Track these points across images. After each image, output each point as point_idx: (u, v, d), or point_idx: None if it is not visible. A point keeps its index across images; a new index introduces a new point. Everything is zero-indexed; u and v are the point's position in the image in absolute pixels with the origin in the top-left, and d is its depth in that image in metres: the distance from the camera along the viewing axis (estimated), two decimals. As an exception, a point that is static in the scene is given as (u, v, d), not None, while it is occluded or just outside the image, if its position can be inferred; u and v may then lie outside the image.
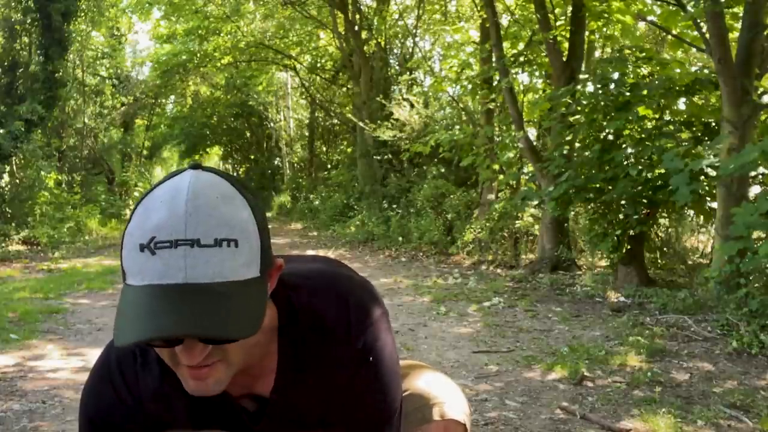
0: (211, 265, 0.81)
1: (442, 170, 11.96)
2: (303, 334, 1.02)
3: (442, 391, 1.23)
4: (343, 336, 1.03)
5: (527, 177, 8.70)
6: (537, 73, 9.79)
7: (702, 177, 5.37)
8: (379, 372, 1.05)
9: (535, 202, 7.65)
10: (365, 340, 1.03)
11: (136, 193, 23.01)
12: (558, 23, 8.23)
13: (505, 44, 9.22)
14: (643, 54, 6.87)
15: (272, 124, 25.41)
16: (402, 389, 1.12)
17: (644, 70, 6.72)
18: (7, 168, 11.14)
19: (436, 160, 11.95)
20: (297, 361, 1.03)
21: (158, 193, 0.85)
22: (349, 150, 18.54)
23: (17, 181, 11.59)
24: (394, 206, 12.30)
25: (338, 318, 1.03)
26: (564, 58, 7.82)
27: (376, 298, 1.09)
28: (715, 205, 5.59)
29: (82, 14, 13.67)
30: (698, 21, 5.62)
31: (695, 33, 6.00)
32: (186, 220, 0.81)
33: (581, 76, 7.20)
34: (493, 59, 8.64)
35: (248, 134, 28.02)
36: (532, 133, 8.78)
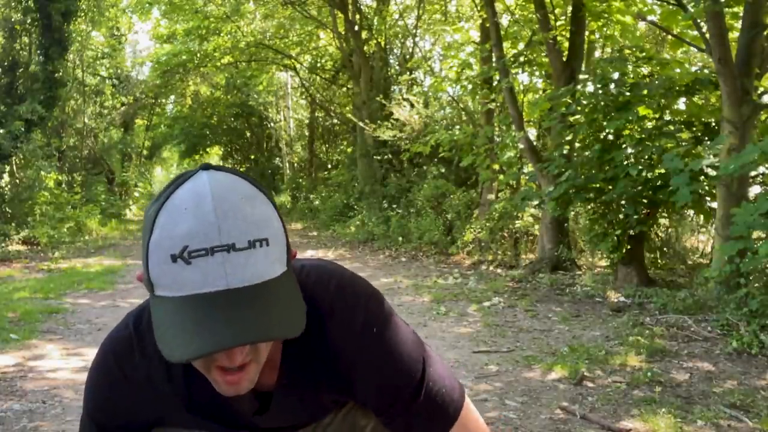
0: (249, 268, 0.81)
1: (442, 170, 11.97)
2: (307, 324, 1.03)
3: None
4: (344, 316, 1.03)
5: (527, 177, 8.70)
6: (537, 73, 9.79)
7: (702, 177, 5.37)
8: (384, 342, 1.04)
9: (535, 202, 7.66)
10: (365, 315, 1.04)
11: (136, 193, 23.03)
12: (558, 23, 8.23)
13: (505, 44, 9.22)
14: (643, 54, 6.87)
15: (272, 124, 25.41)
16: (425, 353, 1.10)
17: (644, 70, 6.72)
18: (7, 168, 11.14)
19: (436, 160, 11.95)
20: (301, 351, 1.03)
21: (179, 200, 0.83)
22: (349, 150, 18.53)
23: (17, 181, 11.59)
24: (394, 206, 12.31)
25: (336, 300, 1.04)
26: (564, 58, 7.83)
27: (369, 284, 1.11)
28: (715, 205, 5.59)
29: (82, 14, 13.68)
30: (698, 21, 5.62)
31: (695, 33, 6.00)
32: (219, 225, 0.80)
33: (581, 76, 7.20)
34: (493, 59, 8.64)
35: (248, 134, 28.01)
36: (532, 133, 8.78)
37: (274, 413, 1.09)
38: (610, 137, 6.46)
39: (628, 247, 6.37)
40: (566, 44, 8.06)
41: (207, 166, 0.88)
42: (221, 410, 1.07)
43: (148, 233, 0.84)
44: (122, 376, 1.04)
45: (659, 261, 7.31)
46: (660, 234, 7.39)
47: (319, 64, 20.25)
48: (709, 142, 5.87)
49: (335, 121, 20.53)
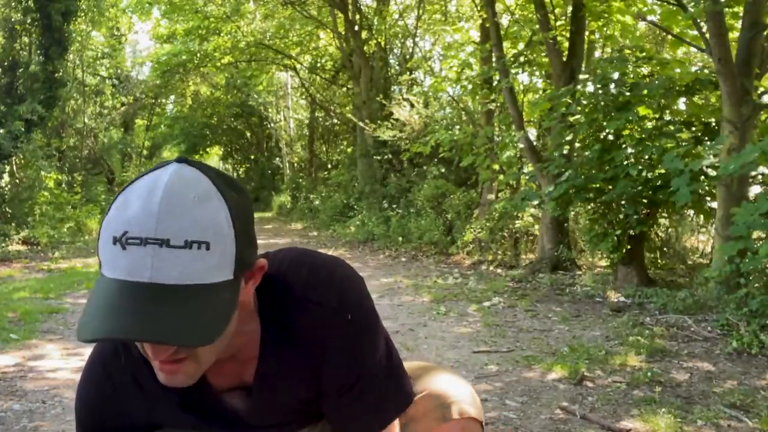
0: (178, 267, 0.80)
1: (442, 170, 11.96)
2: (280, 309, 1.02)
3: (459, 390, 1.24)
4: (317, 299, 1.02)
5: (527, 177, 8.70)
6: (537, 73, 9.79)
7: (702, 177, 5.37)
8: (357, 329, 1.04)
9: (535, 202, 7.65)
10: (339, 297, 1.03)
11: (136, 193, 23.02)
12: (558, 23, 8.23)
13: (505, 44, 9.22)
14: (643, 54, 6.87)
15: (272, 124, 25.42)
16: (394, 351, 1.11)
17: (644, 70, 6.72)
18: (7, 168, 11.14)
19: (436, 160, 11.95)
20: (279, 342, 1.03)
21: (138, 185, 0.84)
22: (349, 150, 18.53)
23: (17, 181, 11.58)
24: (394, 206, 12.31)
25: (308, 283, 1.03)
26: (564, 58, 7.82)
27: (344, 264, 1.09)
28: (715, 205, 5.59)
29: (82, 14, 13.67)
30: (698, 21, 5.62)
31: (695, 32, 6.00)
32: (158, 218, 0.80)
33: (581, 76, 7.20)
34: (493, 59, 8.64)
35: (248, 134, 28.03)
36: (532, 133, 8.78)
37: (256, 408, 1.08)
38: (610, 137, 6.46)
39: (628, 247, 6.37)
40: (566, 44, 8.05)
41: (181, 160, 0.88)
42: (213, 407, 1.07)
43: (106, 212, 0.85)
44: (110, 383, 1.04)
45: (659, 261, 7.31)
46: (660, 234, 7.39)
47: (319, 64, 20.25)
48: (709, 142, 5.87)
49: (335, 121, 20.54)
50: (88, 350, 3.46)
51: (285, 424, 1.15)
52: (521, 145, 8.24)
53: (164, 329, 0.79)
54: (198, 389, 1.01)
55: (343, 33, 15.57)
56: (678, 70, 6.63)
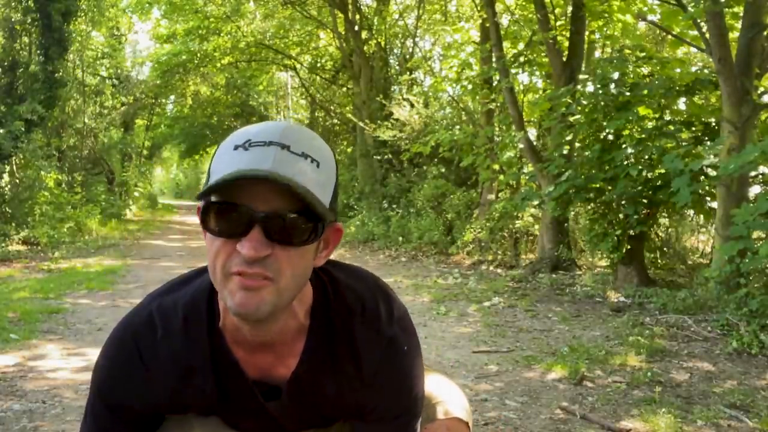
0: (295, 168, 0.89)
1: (442, 170, 11.96)
2: (335, 321, 1.04)
3: (445, 391, 1.25)
4: (375, 324, 1.05)
5: (527, 177, 8.70)
6: (537, 73, 9.79)
7: (702, 177, 5.37)
8: (408, 365, 1.07)
9: (535, 202, 7.66)
10: (396, 330, 1.06)
11: (136, 193, 23.01)
12: (558, 23, 8.23)
13: (505, 44, 9.22)
14: (644, 54, 6.87)
15: (272, 124, 25.39)
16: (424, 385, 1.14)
17: (644, 70, 6.72)
18: (7, 168, 11.13)
19: (436, 160, 11.95)
20: (325, 346, 1.04)
21: (252, 126, 0.95)
22: (349, 150, 18.53)
23: (17, 181, 11.57)
24: (394, 206, 12.31)
25: (371, 307, 1.06)
26: (564, 58, 7.82)
27: (399, 299, 1.14)
28: (715, 205, 5.59)
29: (82, 14, 13.66)
30: (698, 21, 5.62)
31: (695, 33, 6.00)
32: (282, 130, 0.91)
33: (581, 76, 7.20)
34: (493, 59, 8.64)
35: (248, 134, 28.00)
36: (532, 133, 8.78)
37: (284, 405, 1.07)
38: (610, 137, 6.46)
39: (628, 247, 6.37)
40: (566, 44, 8.06)
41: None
42: (243, 395, 1.06)
43: (219, 145, 0.95)
44: (138, 357, 1.03)
45: (659, 261, 7.31)
46: (660, 234, 7.39)
47: (319, 64, 20.25)
48: (709, 142, 5.87)
49: (335, 121, 20.53)
50: (89, 350, 3.43)
51: (310, 424, 1.15)
52: (521, 145, 8.24)
53: (295, 177, 0.87)
54: (233, 374, 1.03)
55: (343, 33, 15.56)
56: (678, 70, 6.64)
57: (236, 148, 0.90)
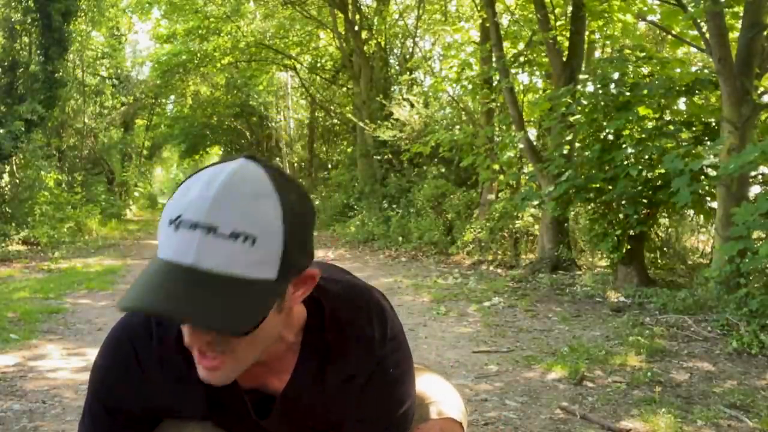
0: (220, 256, 0.81)
1: (442, 170, 11.97)
2: (328, 339, 1.04)
3: (439, 391, 1.24)
4: (367, 346, 1.04)
5: (527, 177, 8.70)
6: (537, 73, 9.79)
7: (702, 177, 5.38)
8: (396, 385, 1.07)
9: (535, 202, 7.66)
10: (386, 352, 1.05)
11: (136, 193, 23.03)
12: (558, 23, 8.23)
13: (505, 44, 9.22)
14: (644, 54, 6.87)
15: (272, 124, 25.42)
16: (414, 401, 1.13)
17: (644, 70, 6.73)
18: (7, 168, 11.14)
19: (436, 160, 11.95)
20: (316, 364, 1.04)
21: (203, 174, 0.87)
22: (349, 150, 18.54)
23: (17, 181, 11.58)
24: (394, 206, 12.31)
25: (364, 328, 1.05)
26: (564, 58, 7.83)
27: (395, 315, 1.12)
28: (715, 205, 5.59)
29: (82, 14, 13.67)
30: (698, 21, 5.62)
31: (695, 32, 6.00)
32: (210, 205, 0.82)
33: (581, 76, 7.20)
34: (493, 59, 8.64)
35: (248, 134, 28.01)
36: (532, 133, 8.78)
37: (276, 419, 1.08)
38: (610, 137, 6.46)
39: (628, 247, 6.37)
40: (566, 44, 8.06)
41: (250, 156, 0.90)
42: (230, 406, 1.07)
43: (170, 196, 0.89)
44: (135, 359, 1.03)
45: (659, 261, 7.31)
46: (660, 234, 7.39)
47: (319, 64, 20.25)
48: (709, 142, 5.87)
49: (335, 121, 20.54)
50: (89, 350, 3.43)
51: None
52: (521, 145, 8.24)
53: (195, 311, 0.81)
54: (225, 389, 1.02)
55: (343, 33, 15.57)
56: (678, 70, 6.64)
57: (170, 223, 0.83)
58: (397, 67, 16.06)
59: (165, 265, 0.83)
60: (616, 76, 6.41)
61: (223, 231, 0.81)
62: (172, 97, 24.62)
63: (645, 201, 6.21)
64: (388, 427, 1.08)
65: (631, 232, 6.30)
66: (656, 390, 3.18)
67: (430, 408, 1.20)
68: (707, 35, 5.39)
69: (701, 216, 6.72)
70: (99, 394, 1.07)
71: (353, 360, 1.04)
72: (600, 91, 6.43)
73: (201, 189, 0.84)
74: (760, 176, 5.68)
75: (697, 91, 6.17)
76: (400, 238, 10.96)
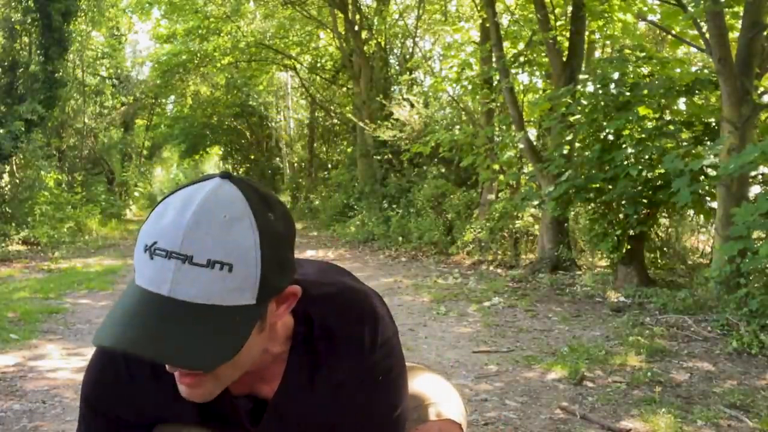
0: (196, 285, 0.80)
1: (442, 170, 11.96)
2: (316, 346, 1.03)
3: (438, 392, 1.23)
4: (357, 352, 1.03)
5: (527, 177, 8.70)
6: (537, 73, 9.79)
7: (702, 177, 5.37)
8: (388, 390, 1.06)
9: (535, 202, 7.66)
10: (377, 358, 1.04)
11: (136, 193, 23.02)
12: (558, 23, 8.23)
13: (505, 44, 9.22)
14: (644, 54, 6.87)
15: (272, 124, 25.42)
16: (408, 406, 1.12)
17: (644, 70, 6.72)
18: (7, 168, 11.14)
19: (436, 160, 11.95)
20: (305, 371, 1.04)
21: (177, 196, 0.85)
22: (349, 150, 18.53)
23: (17, 181, 11.58)
24: (394, 206, 12.31)
25: (353, 334, 1.03)
26: (564, 58, 7.82)
27: (388, 316, 1.10)
28: (715, 205, 5.59)
29: (82, 14, 13.67)
30: (698, 21, 5.62)
31: (695, 32, 6.00)
32: (185, 234, 0.80)
33: (581, 76, 7.20)
34: (493, 59, 8.64)
35: (248, 134, 28.01)
36: (532, 133, 8.78)
37: (267, 425, 1.08)
38: (610, 137, 6.46)
39: (628, 247, 6.37)
40: (566, 44, 8.06)
41: (225, 175, 0.87)
42: (221, 413, 1.07)
43: (146, 218, 0.86)
44: (126, 368, 1.04)
45: (659, 261, 7.31)
46: (660, 234, 7.39)
47: (319, 64, 20.25)
48: (709, 142, 5.87)
49: (335, 121, 20.53)
50: (89, 350, 3.43)
51: None
52: (521, 145, 8.24)
53: (169, 349, 0.79)
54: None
55: (343, 33, 15.57)
56: (678, 70, 6.64)
57: (146, 249, 0.81)
58: (397, 67, 16.05)
59: (141, 294, 0.81)
60: (616, 76, 6.41)
61: (199, 260, 0.79)
62: (172, 97, 24.61)
63: (645, 201, 6.21)
64: (381, 430, 1.07)
65: (631, 232, 6.30)
66: (656, 390, 3.18)
67: (429, 409, 1.19)
68: (707, 35, 5.39)
69: (701, 216, 6.71)
70: (89, 402, 1.08)
71: (343, 366, 1.03)
72: (600, 91, 6.42)
73: (175, 215, 0.81)
74: (760, 176, 5.68)
75: (697, 91, 6.17)
76: (400, 238, 10.96)
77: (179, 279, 0.79)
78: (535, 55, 9.20)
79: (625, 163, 6.02)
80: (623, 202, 6.23)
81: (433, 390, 1.23)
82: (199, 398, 0.91)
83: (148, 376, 1.03)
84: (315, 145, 22.65)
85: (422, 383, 1.24)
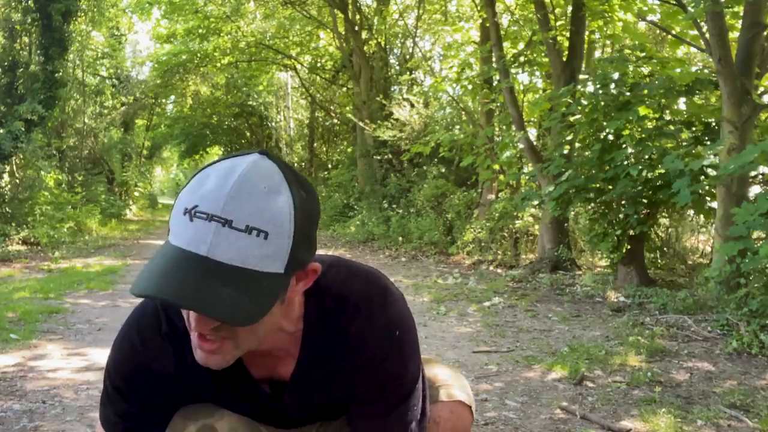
0: (233, 248, 0.84)
1: (442, 170, 11.97)
2: (329, 320, 1.06)
3: (449, 376, 1.28)
4: (369, 312, 1.06)
5: (527, 177, 8.70)
6: (537, 73, 9.79)
7: (702, 177, 5.37)
8: (403, 345, 1.09)
9: (535, 202, 7.66)
10: (388, 316, 1.07)
11: (136, 193, 23.03)
12: (558, 23, 8.23)
13: (505, 44, 9.22)
14: (644, 54, 6.87)
15: (272, 124, 25.41)
16: (422, 364, 1.15)
17: (644, 70, 6.73)
18: (7, 168, 11.13)
19: (436, 160, 11.95)
20: (321, 344, 1.07)
21: (219, 165, 0.89)
22: (349, 150, 18.53)
23: (17, 181, 11.58)
24: (394, 206, 12.31)
25: (362, 297, 1.07)
26: (564, 58, 7.83)
27: (391, 283, 1.15)
28: (715, 205, 5.59)
29: (82, 14, 13.66)
30: (698, 21, 5.62)
31: (695, 32, 6.00)
32: (227, 199, 0.84)
33: (581, 76, 7.20)
34: (493, 59, 8.64)
35: (248, 134, 28.02)
36: (532, 133, 8.78)
37: (289, 400, 1.12)
38: (610, 137, 6.46)
39: (628, 247, 6.37)
40: (566, 44, 8.06)
41: (264, 152, 0.92)
42: (243, 393, 1.11)
43: (185, 184, 0.91)
44: (143, 346, 1.07)
45: (659, 261, 7.31)
46: (660, 234, 7.39)
47: (319, 64, 20.25)
48: (709, 142, 5.87)
49: (335, 121, 20.53)
50: (89, 350, 3.42)
51: (315, 416, 1.20)
52: (521, 145, 8.24)
53: (207, 300, 0.82)
54: (236, 375, 1.06)
55: (343, 33, 15.57)
56: (678, 70, 6.64)
57: (185, 212, 0.85)
58: (397, 67, 16.06)
59: (178, 253, 0.85)
60: (616, 76, 6.41)
61: (238, 225, 0.83)
62: (172, 97, 24.62)
63: (645, 201, 6.21)
64: (400, 386, 1.09)
65: (631, 232, 6.30)
66: (656, 390, 3.18)
67: (441, 391, 1.23)
68: (707, 35, 5.38)
69: (701, 216, 6.72)
70: (113, 381, 1.11)
71: (358, 327, 1.06)
72: (600, 91, 6.42)
73: (217, 182, 0.86)
74: (760, 176, 5.68)
75: (697, 91, 6.17)
76: (400, 238, 10.96)
77: (218, 241, 0.83)
78: (535, 55, 9.20)
79: (625, 163, 6.02)
80: (623, 202, 6.24)
81: (444, 374, 1.28)
82: (216, 364, 0.94)
83: (167, 356, 1.07)
84: (315, 145, 22.66)
85: (434, 369, 1.29)
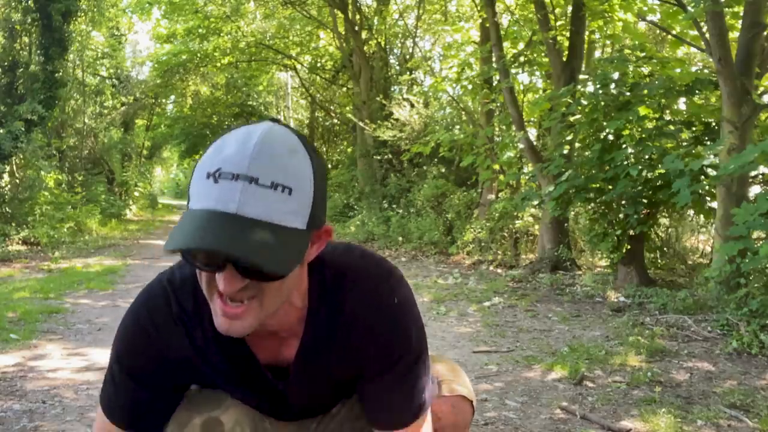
0: (261, 204, 0.86)
1: (442, 170, 11.96)
2: (330, 297, 1.08)
3: (450, 371, 1.30)
4: (366, 287, 1.08)
5: (527, 177, 8.70)
6: (537, 73, 9.79)
7: (702, 177, 5.37)
8: (405, 313, 1.10)
9: (535, 202, 7.66)
10: (385, 288, 1.09)
11: (136, 193, 23.01)
12: (558, 23, 8.23)
13: (505, 44, 9.22)
14: (644, 54, 6.87)
15: (272, 124, 25.37)
16: (425, 335, 1.16)
17: (644, 70, 6.72)
18: (7, 168, 11.12)
19: (436, 160, 11.95)
20: (324, 322, 1.08)
21: (235, 133, 0.93)
22: (349, 150, 18.53)
23: (17, 181, 11.57)
24: (394, 206, 12.31)
25: (362, 273, 1.10)
26: (564, 58, 7.83)
27: (391, 264, 1.17)
28: (715, 205, 5.59)
29: (82, 14, 13.65)
30: (698, 21, 5.62)
31: (695, 32, 6.00)
32: (251, 159, 0.87)
33: (581, 76, 7.20)
34: (493, 59, 8.64)
35: (248, 134, 27.98)
36: (532, 133, 8.78)
37: (294, 381, 1.13)
38: (610, 137, 6.46)
39: (628, 247, 6.37)
40: (566, 44, 8.06)
41: (275, 119, 0.96)
42: (255, 378, 1.12)
43: (201, 155, 0.94)
44: (154, 328, 1.08)
45: (659, 261, 7.31)
46: (660, 234, 7.39)
47: (319, 64, 20.25)
48: (709, 142, 5.87)
49: (335, 121, 20.53)
50: (89, 350, 3.42)
51: (319, 401, 1.21)
52: (521, 145, 8.24)
53: (247, 249, 0.84)
54: (243, 359, 1.08)
55: (343, 33, 15.56)
56: (678, 70, 6.64)
57: (208, 176, 0.88)
58: (397, 67, 16.06)
59: (207, 213, 0.86)
60: (616, 76, 6.41)
61: (264, 182, 0.87)
62: (172, 97, 24.59)
63: (645, 201, 6.21)
64: (407, 352, 1.10)
65: (631, 232, 6.30)
66: (656, 390, 3.18)
67: (442, 386, 1.25)
68: (707, 35, 5.38)
69: (701, 216, 6.72)
70: (121, 360, 1.12)
71: (356, 308, 1.08)
72: (600, 91, 6.42)
73: (238, 146, 0.89)
74: (760, 176, 5.68)
75: (697, 91, 6.17)
76: (400, 238, 10.96)
77: (246, 198, 0.86)
78: (535, 55, 9.20)
79: (625, 163, 6.02)
80: (623, 202, 6.23)
81: (447, 370, 1.31)
82: (237, 330, 0.94)
83: (178, 338, 1.08)
84: (315, 145, 22.63)
85: (435, 365, 1.30)
